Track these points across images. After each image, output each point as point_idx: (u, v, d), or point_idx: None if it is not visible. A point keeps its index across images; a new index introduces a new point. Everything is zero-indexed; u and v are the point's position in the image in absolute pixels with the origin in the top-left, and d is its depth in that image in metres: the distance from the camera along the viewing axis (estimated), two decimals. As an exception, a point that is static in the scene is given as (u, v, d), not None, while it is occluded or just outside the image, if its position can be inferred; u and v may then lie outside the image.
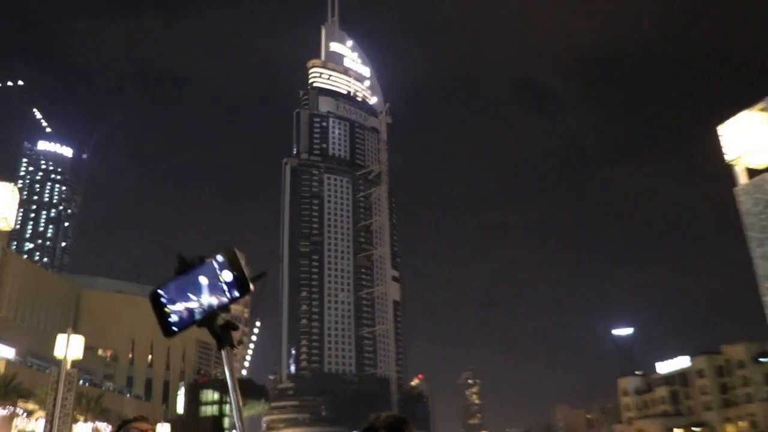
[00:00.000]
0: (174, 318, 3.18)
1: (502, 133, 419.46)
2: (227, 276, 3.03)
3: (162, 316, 3.18)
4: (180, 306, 3.14)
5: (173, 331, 3.18)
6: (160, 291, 3.20)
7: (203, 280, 3.09)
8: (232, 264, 3.04)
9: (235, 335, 3.19)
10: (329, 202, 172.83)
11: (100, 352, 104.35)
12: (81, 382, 58.72)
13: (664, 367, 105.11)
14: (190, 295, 3.11)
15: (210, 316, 3.10)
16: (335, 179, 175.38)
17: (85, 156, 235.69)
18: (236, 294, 3.07)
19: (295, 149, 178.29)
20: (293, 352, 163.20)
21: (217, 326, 3.15)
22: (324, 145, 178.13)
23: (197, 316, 3.13)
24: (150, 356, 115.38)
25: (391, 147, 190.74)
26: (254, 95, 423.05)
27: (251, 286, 3.05)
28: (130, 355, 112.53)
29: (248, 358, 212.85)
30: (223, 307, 3.09)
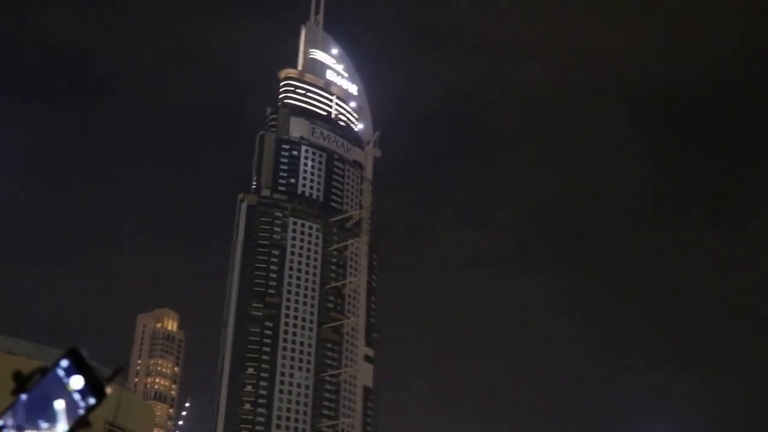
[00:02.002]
0: None
1: (523, 177, 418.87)
2: (77, 383, 3.30)
3: None
4: None
5: None
6: None
7: (59, 405, 3.31)
8: (80, 367, 3.29)
9: None
10: (293, 254, 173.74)
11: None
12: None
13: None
14: (42, 423, 3.31)
15: None
16: (303, 225, 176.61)
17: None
18: (92, 401, 3.34)
19: (254, 183, 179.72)
20: None
21: None
22: (292, 180, 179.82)
23: None
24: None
25: (378, 188, 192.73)
26: (206, 108, 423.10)
27: (107, 389, 3.33)
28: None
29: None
30: (82, 422, 3.32)
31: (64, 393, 3.37)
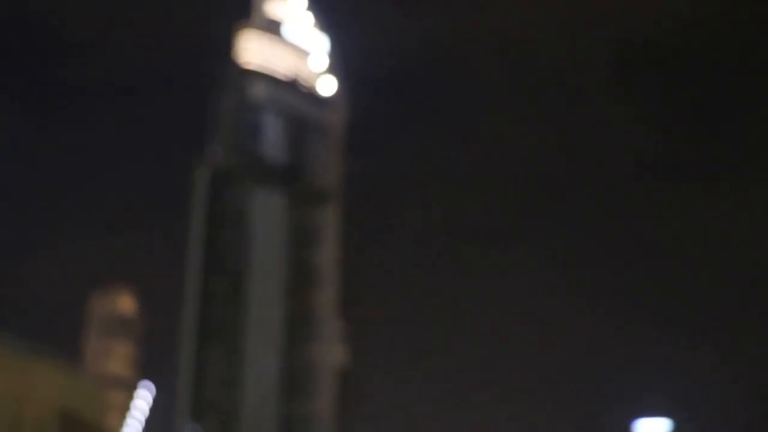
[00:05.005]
0: None
1: (507, 136, 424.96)
2: None
3: None
4: None
5: None
6: None
7: None
8: None
9: None
10: (257, 225, 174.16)
11: None
12: None
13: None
14: None
15: None
16: (267, 194, 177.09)
17: None
18: None
19: (213, 150, 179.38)
20: (193, 428, 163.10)
21: None
22: (254, 147, 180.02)
23: None
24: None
25: (349, 153, 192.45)
26: (155, 71, 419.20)
27: None
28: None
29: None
30: None
31: None
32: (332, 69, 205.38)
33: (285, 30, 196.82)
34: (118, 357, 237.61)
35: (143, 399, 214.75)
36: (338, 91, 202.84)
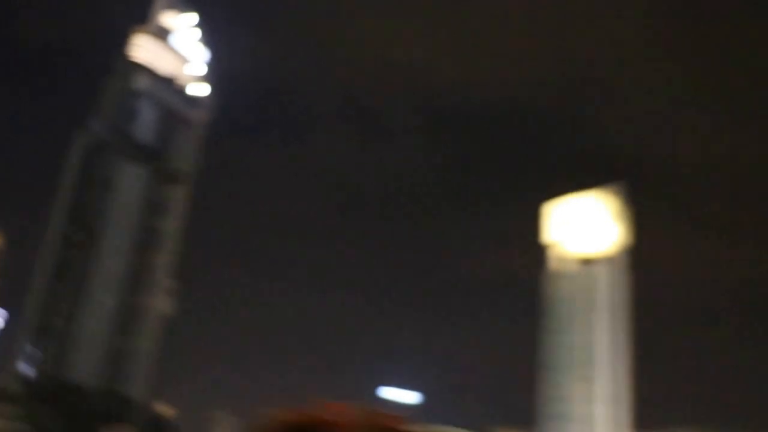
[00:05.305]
0: None
1: (332, 159, 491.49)
2: None
3: None
4: None
5: None
6: None
7: None
8: None
9: None
10: (119, 192, 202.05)
11: None
12: None
13: None
14: None
15: None
16: (131, 168, 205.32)
17: None
18: None
19: (93, 124, 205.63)
20: (34, 351, 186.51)
21: None
22: (128, 127, 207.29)
23: None
24: None
25: (205, 147, 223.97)
26: (53, 47, 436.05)
27: None
28: None
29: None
30: None
31: None
32: (206, 76, 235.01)
33: (172, 38, 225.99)
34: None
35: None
36: (208, 95, 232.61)
